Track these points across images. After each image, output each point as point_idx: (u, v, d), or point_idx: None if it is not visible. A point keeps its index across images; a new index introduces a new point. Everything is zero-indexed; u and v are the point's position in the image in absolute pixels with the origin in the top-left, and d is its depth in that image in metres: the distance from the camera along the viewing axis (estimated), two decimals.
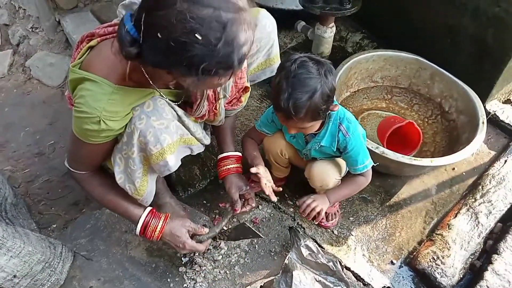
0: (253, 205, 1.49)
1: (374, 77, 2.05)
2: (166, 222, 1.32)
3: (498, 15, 1.74)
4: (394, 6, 2.14)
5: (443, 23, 1.94)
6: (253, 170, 1.41)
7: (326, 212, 1.60)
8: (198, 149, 1.34)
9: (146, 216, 1.29)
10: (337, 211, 1.65)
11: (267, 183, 1.42)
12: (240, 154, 1.52)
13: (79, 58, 1.12)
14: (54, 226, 1.69)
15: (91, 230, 1.60)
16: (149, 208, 1.32)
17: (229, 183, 1.46)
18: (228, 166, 1.47)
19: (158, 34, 0.84)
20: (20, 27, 2.54)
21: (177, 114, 1.18)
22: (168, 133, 1.13)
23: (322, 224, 1.62)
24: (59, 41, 2.51)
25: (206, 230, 1.38)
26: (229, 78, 1.00)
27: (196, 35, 0.82)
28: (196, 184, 1.72)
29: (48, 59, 2.41)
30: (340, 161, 1.49)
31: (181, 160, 1.61)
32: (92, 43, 1.13)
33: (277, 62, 1.47)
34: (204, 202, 1.70)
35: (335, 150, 1.40)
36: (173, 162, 1.19)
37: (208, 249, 1.51)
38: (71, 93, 1.10)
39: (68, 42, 2.48)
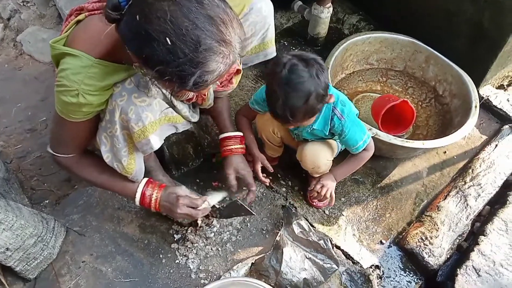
0: (253, 189, 1.48)
1: (369, 59, 2.04)
2: (163, 187, 1.33)
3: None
4: None
5: (441, 6, 1.93)
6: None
7: (317, 192, 1.62)
8: (183, 127, 1.32)
9: (144, 186, 1.30)
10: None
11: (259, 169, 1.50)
12: (241, 134, 1.51)
13: (66, 32, 1.10)
14: (47, 201, 1.68)
15: (84, 206, 1.61)
16: (145, 179, 1.32)
17: (228, 164, 1.46)
18: (231, 147, 1.47)
19: (137, 16, 0.83)
20: (11, 0, 2.48)
21: (161, 91, 1.16)
22: (151, 111, 1.12)
23: (314, 204, 1.64)
24: (51, 16, 2.46)
25: (201, 201, 1.36)
26: (190, 93, 1.00)
27: (167, 38, 0.81)
28: (190, 162, 1.72)
29: (40, 34, 2.37)
30: (332, 142, 1.50)
31: (174, 138, 1.61)
32: (80, 17, 1.11)
33: (271, 46, 1.44)
34: (197, 180, 1.70)
35: (327, 133, 1.40)
36: (156, 141, 1.18)
37: (200, 227, 1.52)
38: (56, 68, 1.09)
39: (60, 17, 2.43)
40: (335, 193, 1.66)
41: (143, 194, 1.30)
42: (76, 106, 1.04)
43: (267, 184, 1.56)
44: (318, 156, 1.47)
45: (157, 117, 1.15)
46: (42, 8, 2.44)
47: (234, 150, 1.46)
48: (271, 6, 1.36)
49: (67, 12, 2.26)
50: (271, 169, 1.49)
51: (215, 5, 0.84)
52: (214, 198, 1.44)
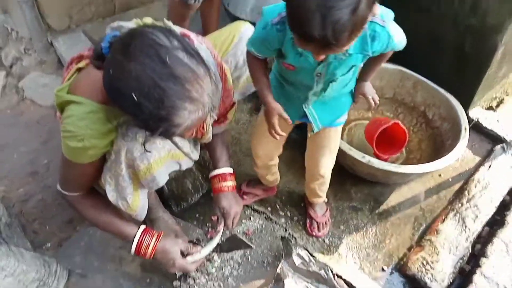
0: (220, 227, 1.48)
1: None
2: (159, 240, 1.33)
3: (475, 25, 1.81)
4: None
5: (424, 33, 2.01)
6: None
7: (317, 222, 1.64)
8: (187, 164, 1.36)
9: (141, 235, 1.31)
10: (328, 220, 1.68)
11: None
12: (232, 170, 1.50)
13: (68, 80, 1.17)
14: (49, 244, 1.70)
15: (86, 247, 1.62)
16: (143, 227, 1.34)
17: (217, 203, 1.48)
18: (219, 185, 1.47)
19: (110, 71, 0.91)
20: (13, 49, 2.58)
21: None
22: (155, 148, 1.16)
23: (314, 234, 1.65)
24: (51, 61, 2.55)
25: (199, 248, 1.40)
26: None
27: (133, 95, 0.88)
28: (189, 198, 1.75)
29: (41, 79, 2.45)
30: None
31: (173, 174, 1.64)
32: (80, 64, 1.18)
33: None
34: (197, 215, 1.73)
35: (364, 55, 1.12)
36: (161, 177, 1.22)
37: (189, 276, 1.51)
38: (60, 114, 1.14)
39: (60, 62, 2.52)
40: (333, 220, 1.69)
41: (139, 243, 1.32)
42: (82, 150, 1.09)
43: (285, 135, 1.31)
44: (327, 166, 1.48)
45: (161, 155, 1.19)
46: (42, 54, 2.54)
47: (224, 188, 1.48)
48: None
49: (67, 57, 2.37)
50: (289, 121, 1.23)
51: (180, 64, 0.90)
52: (208, 248, 1.44)
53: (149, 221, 1.59)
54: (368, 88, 1.34)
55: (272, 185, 1.73)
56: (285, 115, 1.21)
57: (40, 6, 2.40)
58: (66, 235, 1.72)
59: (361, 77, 1.32)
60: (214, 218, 1.69)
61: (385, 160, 1.78)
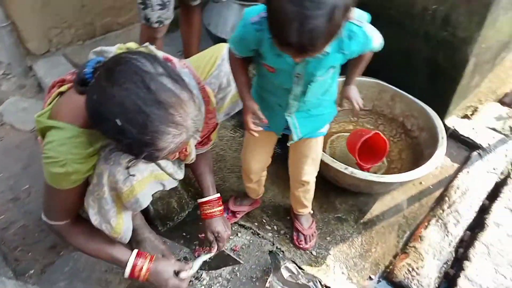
0: (213, 250, 1.50)
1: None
2: (152, 262, 1.33)
3: (446, 39, 1.89)
4: None
5: (399, 48, 2.08)
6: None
7: (304, 235, 1.66)
8: (171, 184, 1.36)
9: (135, 259, 1.31)
10: (314, 232, 1.70)
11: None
12: (219, 195, 1.53)
13: (49, 104, 1.16)
14: (32, 271, 1.66)
15: (70, 272, 1.59)
16: (135, 251, 1.33)
17: (207, 228, 1.51)
18: (210, 211, 1.51)
19: (94, 96, 0.93)
20: None
21: None
22: (137, 170, 1.16)
23: (301, 246, 1.66)
24: (31, 85, 2.53)
25: (191, 265, 1.40)
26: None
27: (117, 120, 0.89)
28: (175, 217, 1.75)
29: (21, 103, 2.42)
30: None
31: (158, 194, 1.64)
32: (62, 88, 1.18)
33: None
34: (184, 234, 1.72)
35: (343, 55, 1.15)
36: (144, 199, 1.22)
37: (190, 281, 1.52)
38: (42, 139, 1.14)
39: (40, 86, 2.51)
40: (319, 232, 1.71)
41: (133, 267, 1.31)
42: (65, 176, 1.08)
43: (256, 135, 1.29)
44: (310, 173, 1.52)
45: (144, 176, 1.19)
46: (22, 79, 2.52)
47: (212, 214, 1.51)
48: None
49: (47, 81, 2.37)
50: (264, 120, 1.26)
51: (164, 89, 0.91)
52: (199, 262, 1.45)
53: (135, 242, 1.57)
54: (353, 91, 1.38)
55: (258, 197, 1.75)
56: (260, 114, 1.24)
57: (19, 30, 2.40)
58: (49, 261, 1.68)
59: (345, 81, 1.38)
60: (201, 235, 1.69)
61: (368, 170, 1.82)
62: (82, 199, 1.21)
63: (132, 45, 1.23)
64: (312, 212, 1.71)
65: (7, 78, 2.55)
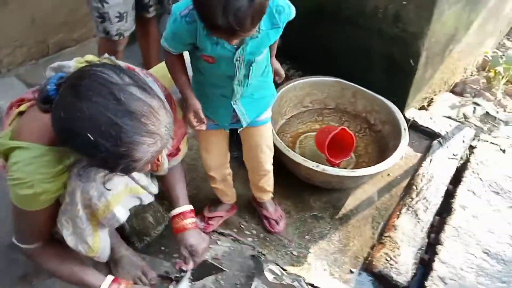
0: (188, 267, 1.44)
1: (304, 103, 2.21)
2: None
3: (399, 35, 1.99)
4: (311, 35, 2.34)
5: (356, 46, 2.17)
6: None
7: (274, 219, 1.74)
8: (148, 198, 1.32)
9: (109, 286, 1.24)
10: (281, 214, 1.78)
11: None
12: (191, 207, 1.46)
13: (9, 125, 1.11)
14: None
15: None
16: (110, 277, 1.27)
17: (181, 242, 1.43)
18: (181, 223, 1.42)
19: (61, 113, 0.90)
20: None
21: None
22: (112, 184, 1.13)
23: (276, 230, 1.73)
24: None
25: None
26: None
27: (88, 135, 0.86)
28: (151, 231, 1.71)
29: None
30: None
31: (133, 210, 1.59)
32: (21, 108, 1.13)
33: None
34: (162, 248, 1.68)
35: (276, 30, 1.20)
36: (121, 213, 1.18)
37: None
38: (5, 162, 1.08)
39: None
40: (297, 232, 1.74)
41: None
42: (33, 197, 1.03)
43: (204, 128, 1.34)
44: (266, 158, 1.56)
45: (119, 190, 1.16)
46: None
47: (187, 226, 1.43)
48: None
49: (1, 103, 2.23)
50: (204, 120, 1.32)
51: (134, 99, 0.90)
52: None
53: (113, 261, 1.52)
54: (277, 63, 1.48)
55: (232, 201, 1.76)
56: (201, 114, 1.29)
57: None
58: None
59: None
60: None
61: (338, 165, 1.86)
62: (53, 220, 1.16)
63: (91, 57, 1.19)
64: (272, 196, 1.76)
65: None
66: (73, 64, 1.15)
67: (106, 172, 1.07)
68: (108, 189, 1.11)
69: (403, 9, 1.92)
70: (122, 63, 1.19)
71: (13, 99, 1.20)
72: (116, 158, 0.90)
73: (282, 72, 1.51)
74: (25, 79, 2.41)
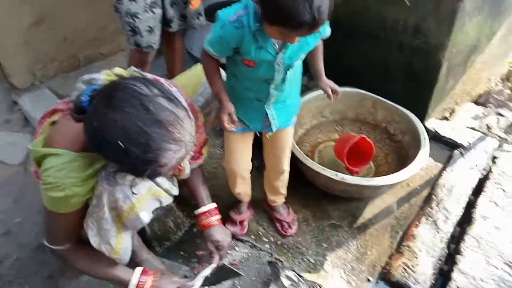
0: (215, 260, 1.53)
1: (323, 113, 2.23)
2: (155, 279, 1.36)
3: (419, 46, 1.99)
4: (329, 47, 2.36)
5: (376, 58, 2.18)
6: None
7: (286, 222, 1.78)
8: (167, 200, 1.38)
9: (139, 277, 1.34)
10: (294, 217, 1.82)
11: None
12: (215, 205, 1.57)
13: (42, 133, 1.20)
14: None
15: None
16: (139, 268, 1.37)
17: (207, 238, 1.54)
18: (207, 220, 1.53)
19: (95, 123, 0.97)
20: None
21: None
22: (136, 188, 1.19)
23: (288, 233, 1.77)
24: (17, 120, 2.53)
25: (193, 281, 1.44)
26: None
27: (119, 142, 0.94)
28: (172, 236, 1.76)
29: (8, 138, 2.42)
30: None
31: (155, 214, 1.66)
32: (54, 118, 1.22)
33: None
34: (182, 253, 1.73)
35: (316, 37, 1.32)
36: (145, 215, 1.25)
37: None
38: (38, 168, 1.16)
39: (26, 119, 2.52)
40: (314, 240, 1.75)
41: (138, 285, 1.34)
42: (65, 200, 1.10)
43: (233, 129, 1.38)
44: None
45: (142, 193, 1.22)
46: (7, 114, 2.53)
47: (210, 224, 1.54)
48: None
49: (33, 114, 2.38)
50: (236, 122, 1.37)
51: (162, 109, 0.97)
52: (200, 279, 1.48)
53: (134, 264, 1.57)
54: (328, 81, 1.54)
55: (249, 198, 1.81)
56: (234, 116, 1.35)
57: (3, 67, 2.42)
58: None
59: (318, 76, 1.52)
60: (199, 252, 1.70)
61: (357, 173, 1.87)
62: (82, 222, 1.23)
63: (119, 70, 1.28)
64: (285, 200, 1.80)
65: None
66: (102, 76, 1.23)
67: (133, 177, 1.14)
68: (134, 193, 1.17)
69: (423, 22, 1.93)
70: (149, 75, 1.26)
71: (45, 109, 1.29)
72: (144, 164, 0.97)
73: (337, 87, 1.54)
74: (56, 91, 2.55)
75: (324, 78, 1.53)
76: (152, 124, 0.94)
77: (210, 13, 2.64)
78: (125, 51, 2.86)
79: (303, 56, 1.33)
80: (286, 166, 1.65)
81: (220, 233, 1.54)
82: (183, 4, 2.00)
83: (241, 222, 1.79)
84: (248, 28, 1.18)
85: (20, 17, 2.34)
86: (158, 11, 1.91)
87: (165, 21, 2.02)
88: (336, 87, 1.53)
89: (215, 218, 1.55)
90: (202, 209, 1.54)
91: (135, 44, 1.93)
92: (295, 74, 1.38)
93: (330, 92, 1.52)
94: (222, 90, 1.36)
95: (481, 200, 1.89)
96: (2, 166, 2.36)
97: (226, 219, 1.78)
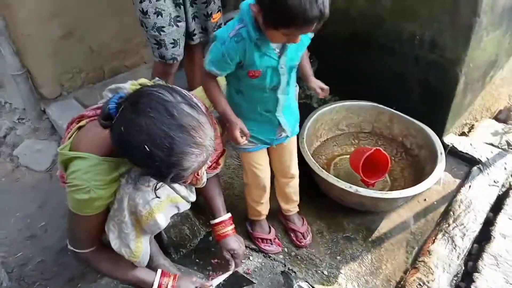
0: (231, 267, 1.58)
1: (339, 126, 2.25)
2: (175, 280, 1.43)
3: (435, 60, 2.01)
4: (346, 61, 2.40)
5: (392, 71, 2.20)
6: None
7: (301, 233, 1.80)
8: (184, 207, 1.43)
9: (160, 278, 1.40)
10: (308, 228, 1.83)
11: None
12: (230, 215, 1.63)
13: (69, 138, 1.26)
14: None
15: None
16: (160, 270, 1.43)
17: (223, 247, 1.60)
18: (223, 231, 1.60)
19: (122, 128, 1.02)
20: (7, 120, 2.68)
21: None
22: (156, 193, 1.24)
23: (302, 244, 1.79)
24: (44, 128, 2.65)
25: (211, 282, 1.50)
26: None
27: (145, 146, 0.99)
28: (187, 244, 1.79)
29: (35, 145, 2.53)
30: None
31: (171, 221, 1.71)
32: (81, 123, 1.28)
33: None
34: (197, 260, 1.76)
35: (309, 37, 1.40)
36: (163, 220, 1.29)
37: None
38: (64, 171, 1.22)
39: (53, 128, 2.63)
40: (328, 252, 1.75)
41: (159, 286, 1.40)
42: (89, 202, 1.16)
43: (246, 142, 1.44)
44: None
45: (161, 199, 1.26)
46: (36, 122, 2.65)
47: (226, 234, 1.60)
48: None
49: (60, 123, 2.49)
50: (249, 134, 1.43)
51: (185, 114, 1.02)
52: (219, 279, 1.55)
53: (151, 269, 1.62)
54: (317, 80, 1.58)
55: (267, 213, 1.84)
56: (246, 130, 1.41)
57: (34, 77, 2.55)
58: None
59: (307, 77, 1.57)
60: (214, 261, 1.73)
61: (372, 186, 1.87)
62: (104, 226, 1.29)
63: (144, 80, 1.35)
64: (298, 210, 1.83)
65: (22, 123, 2.68)
66: (128, 86, 1.30)
67: (155, 183, 1.19)
68: (158, 197, 1.22)
69: (440, 36, 1.94)
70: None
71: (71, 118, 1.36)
72: (168, 167, 1.01)
73: (324, 86, 1.58)
74: (82, 101, 2.66)
75: (313, 78, 1.57)
76: (176, 128, 0.99)
77: None
78: (148, 63, 2.96)
79: (301, 55, 1.41)
80: (295, 170, 1.70)
81: (235, 242, 1.60)
82: (205, 17, 2.07)
83: (274, 239, 1.81)
84: (249, 38, 1.25)
85: (50, 30, 2.47)
86: (182, 24, 1.99)
87: (188, 34, 2.09)
88: (323, 85, 1.57)
89: (230, 228, 1.61)
90: (218, 220, 1.61)
91: (159, 56, 2.01)
92: (295, 74, 1.46)
93: (320, 91, 1.56)
94: (228, 107, 1.40)
95: (500, 217, 1.86)
96: (29, 172, 2.47)
97: (255, 239, 1.81)
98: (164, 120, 0.99)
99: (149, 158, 1.00)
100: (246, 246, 1.78)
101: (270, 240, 1.79)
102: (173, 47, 1.98)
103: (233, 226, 1.62)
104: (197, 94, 1.48)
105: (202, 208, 1.84)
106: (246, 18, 1.24)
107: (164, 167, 1.01)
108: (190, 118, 1.02)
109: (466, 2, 1.78)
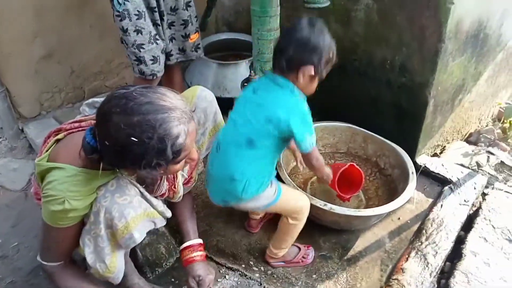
0: None
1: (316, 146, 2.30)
2: None
3: (406, 84, 2.10)
4: (322, 85, 2.46)
5: (365, 94, 2.29)
6: None
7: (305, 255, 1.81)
8: (160, 223, 1.43)
9: None
10: (305, 253, 1.83)
11: None
12: (200, 241, 1.62)
13: (46, 151, 1.27)
14: None
15: None
16: None
17: (189, 273, 1.56)
18: (190, 255, 1.58)
19: (106, 142, 1.06)
20: None
21: (139, 190, 1.31)
22: (132, 208, 1.25)
23: (304, 262, 1.79)
24: (22, 147, 2.63)
25: None
26: (178, 165, 1.18)
27: (132, 139, 1.03)
28: (163, 263, 1.78)
29: (12, 164, 2.50)
30: None
31: (147, 240, 1.70)
32: (59, 136, 1.29)
33: (223, 126, 1.67)
34: (173, 280, 1.74)
35: None
36: (138, 235, 1.29)
37: None
38: (40, 183, 1.22)
39: (31, 147, 2.61)
40: (305, 271, 1.76)
41: None
42: (63, 213, 1.16)
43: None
44: None
45: (138, 213, 1.27)
46: (13, 141, 2.62)
47: (193, 259, 1.58)
48: (212, 94, 1.65)
49: (38, 141, 2.46)
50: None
51: (144, 94, 1.07)
52: None
53: None
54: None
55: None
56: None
57: (12, 96, 2.54)
58: None
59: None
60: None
61: (348, 200, 1.89)
62: (77, 240, 1.28)
63: None
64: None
65: None
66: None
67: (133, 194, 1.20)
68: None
69: (409, 60, 2.04)
70: None
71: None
72: (161, 141, 1.04)
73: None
74: (62, 120, 2.64)
75: None
76: (145, 107, 1.03)
77: (210, 50, 2.80)
78: (129, 83, 2.99)
79: None
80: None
81: (202, 269, 1.55)
82: (182, 38, 2.13)
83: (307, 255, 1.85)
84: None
85: (32, 49, 2.49)
86: (161, 42, 2.04)
87: (165, 54, 2.14)
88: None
89: (198, 254, 1.58)
90: (186, 244, 1.59)
91: (139, 72, 2.06)
92: None
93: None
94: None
95: (471, 235, 1.91)
96: (5, 192, 2.42)
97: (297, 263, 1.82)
98: (132, 107, 1.03)
99: (142, 145, 1.03)
100: (221, 265, 1.79)
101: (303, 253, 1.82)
102: (152, 64, 2.04)
103: (202, 252, 1.59)
104: None
105: (178, 226, 1.84)
106: (295, 88, 1.51)
107: (158, 145, 1.04)
108: (150, 94, 1.06)
109: (432, 28, 1.88)
